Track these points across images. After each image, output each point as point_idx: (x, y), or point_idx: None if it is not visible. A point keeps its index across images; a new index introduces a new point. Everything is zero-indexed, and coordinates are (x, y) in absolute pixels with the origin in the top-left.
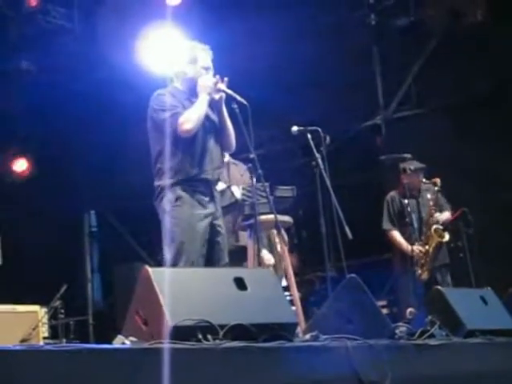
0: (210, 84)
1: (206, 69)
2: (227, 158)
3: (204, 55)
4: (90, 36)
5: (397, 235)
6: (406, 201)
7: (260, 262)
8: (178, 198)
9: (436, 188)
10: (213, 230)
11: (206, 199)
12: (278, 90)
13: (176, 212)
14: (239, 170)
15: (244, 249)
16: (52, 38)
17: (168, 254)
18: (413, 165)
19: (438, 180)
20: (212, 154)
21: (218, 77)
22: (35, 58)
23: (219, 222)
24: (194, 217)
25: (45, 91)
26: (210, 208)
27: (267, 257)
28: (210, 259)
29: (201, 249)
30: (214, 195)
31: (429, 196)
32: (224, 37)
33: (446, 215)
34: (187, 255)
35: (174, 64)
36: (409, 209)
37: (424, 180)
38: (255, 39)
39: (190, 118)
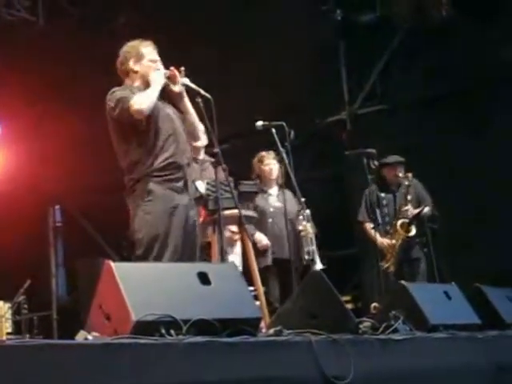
0: (160, 77)
1: (154, 61)
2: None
3: (149, 50)
4: (54, 29)
5: (370, 228)
6: (383, 194)
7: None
8: (149, 192)
9: (406, 183)
10: (187, 223)
11: (180, 185)
12: (242, 84)
13: (149, 206)
14: (201, 165)
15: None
16: (15, 32)
17: (139, 249)
18: (391, 159)
19: (409, 174)
20: (178, 138)
21: (172, 68)
22: None
23: (193, 212)
24: (168, 212)
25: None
26: (185, 197)
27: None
28: (183, 253)
29: (174, 243)
30: (187, 181)
31: (403, 191)
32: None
33: (425, 209)
34: (159, 250)
35: (121, 65)
36: (384, 202)
37: (400, 174)
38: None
39: (141, 99)
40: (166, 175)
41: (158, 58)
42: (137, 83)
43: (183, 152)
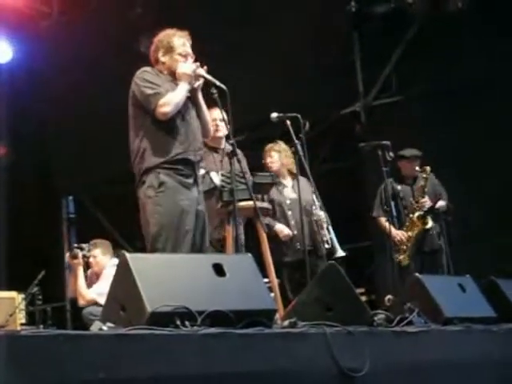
0: (188, 72)
1: (184, 56)
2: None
3: (181, 42)
4: (68, 21)
5: (385, 221)
6: (399, 187)
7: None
8: (161, 184)
9: (424, 175)
10: (197, 216)
11: (190, 181)
12: (257, 75)
13: (160, 199)
14: (218, 157)
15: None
16: (30, 23)
17: (149, 240)
18: (409, 152)
19: (427, 168)
20: (194, 135)
21: (198, 64)
22: (13, 43)
23: (202, 207)
24: (179, 204)
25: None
26: (194, 192)
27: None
28: (193, 246)
29: (184, 236)
30: (197, 177)
31: (421, 183)
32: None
33: (440, 203)
34: (169, 243)
35: (152, 53)
36: (401, 194)
37: (417, 168)
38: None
39: (170, 102)
40: (177, 169)
41: (189, 51)
42: (165, 72)
43: (197, 149)
